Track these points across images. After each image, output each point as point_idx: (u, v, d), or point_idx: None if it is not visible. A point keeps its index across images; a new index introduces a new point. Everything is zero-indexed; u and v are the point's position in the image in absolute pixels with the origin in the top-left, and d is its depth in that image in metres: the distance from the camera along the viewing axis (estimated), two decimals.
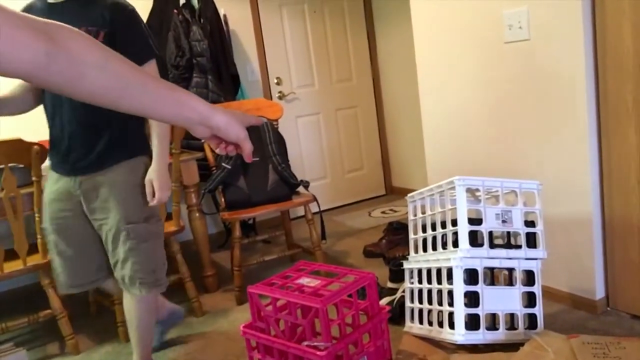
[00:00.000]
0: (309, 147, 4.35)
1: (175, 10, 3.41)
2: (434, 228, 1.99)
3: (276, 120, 3.02)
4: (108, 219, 1.82)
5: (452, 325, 1.81)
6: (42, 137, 2.02)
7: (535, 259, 1.90)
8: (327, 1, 4.29)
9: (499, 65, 2.30)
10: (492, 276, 1.94)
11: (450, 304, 1.83)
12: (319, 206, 2.89)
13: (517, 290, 1.88)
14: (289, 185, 2.86)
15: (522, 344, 1.74)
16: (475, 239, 1.86)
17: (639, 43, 1.88)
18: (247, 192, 2.78)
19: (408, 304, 2.09)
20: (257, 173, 2.83)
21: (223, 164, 2.79)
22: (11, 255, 2.31)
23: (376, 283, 1.79)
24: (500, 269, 1.92)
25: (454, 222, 1.85)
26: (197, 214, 2.89)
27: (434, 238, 1.98)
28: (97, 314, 2.79)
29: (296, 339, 1.66)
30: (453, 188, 1.85)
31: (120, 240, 1.82)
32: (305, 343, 1.56)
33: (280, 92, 4.16)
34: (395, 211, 4.16)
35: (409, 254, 2.15)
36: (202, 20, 3.47)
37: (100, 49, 0.73)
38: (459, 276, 1.80)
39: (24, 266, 2.25)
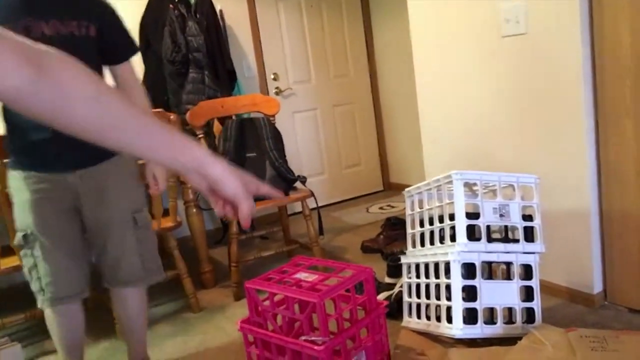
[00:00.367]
0: (306, 142, 4.34)
1: (171, 5, 3.39)
2: (431, 222, 1.99)
3: (273, 115, 3.01)
4: (113, 208, 1.79)
5: (449, 320, 1.81)
6: None
7: (533, 253, 1.90)
8: None
9: (497, 60, 2.30)
10: (490, 270, 1.94)
11: (448, 299, 1.83)
12: (316, 202, 2.88)
13: (515, 285, 1.87)
14: (287, 181, 2.85)
15: (520, 338, 1.74)
16: (472, 233, 1.86)
17: (636, 37, 1.87)
18: None
19: (406, 298, 2.09)
20: (254, 168, 2.81)
21: None
22: (7, 251, 2.29)
23: (374, 278, 1.78)
24: (498, 263, 1.92)
25: (452, 217, 1.85)
26: (194, 210, 2.89)
27: (432, 232, 1.98)
28: (94, 310, 2.78)
29: (294, 333, 1.65)
30: (451, 182, 1.85)
31: (128, 229, 1.82)
32: (303, 338, 1.55)
33: (277, 87, 4.14)
34: (392, 207, 4.16)
35: (406, 249, 2.15)
36: (198, 15, 3.46)
37: (93, 81, 0.70)
38: (456, 270, 1.79)
39: (21, 262, 2.23)
